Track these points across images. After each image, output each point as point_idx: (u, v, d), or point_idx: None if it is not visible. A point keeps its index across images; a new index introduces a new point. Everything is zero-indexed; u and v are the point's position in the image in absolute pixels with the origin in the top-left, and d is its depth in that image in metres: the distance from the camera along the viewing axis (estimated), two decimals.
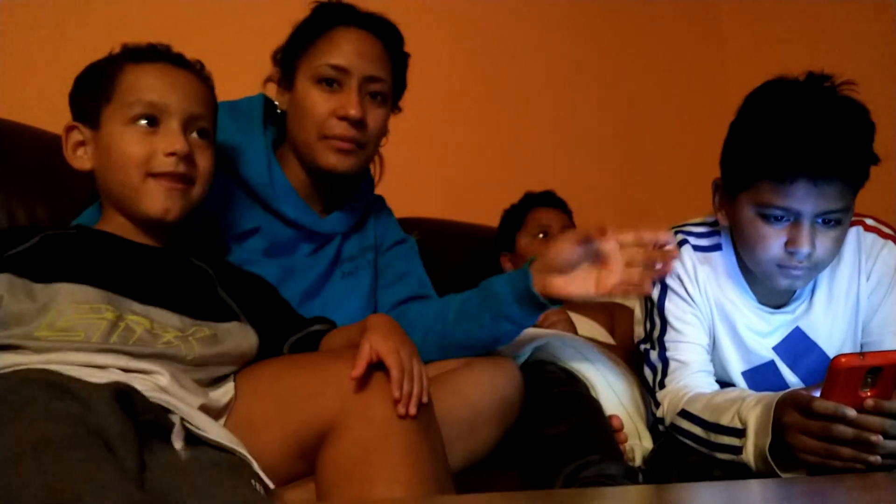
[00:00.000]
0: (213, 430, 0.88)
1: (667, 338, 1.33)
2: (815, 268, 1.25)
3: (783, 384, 1.34)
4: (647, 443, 1.38)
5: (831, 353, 1.33)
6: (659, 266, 1.14)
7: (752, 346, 1.34)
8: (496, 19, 2.48)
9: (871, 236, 1.33)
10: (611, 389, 1.41)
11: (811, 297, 1.34)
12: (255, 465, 0.87)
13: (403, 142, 2.04)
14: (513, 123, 2.47)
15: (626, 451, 1.33)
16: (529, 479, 1.25)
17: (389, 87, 1.29)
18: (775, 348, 1.35)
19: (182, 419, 0.86)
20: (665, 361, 1.33)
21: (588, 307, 1.94)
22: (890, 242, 1.32)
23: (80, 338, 0.91)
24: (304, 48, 1.27)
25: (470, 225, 2.12)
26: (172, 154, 1.04)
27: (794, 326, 1.34)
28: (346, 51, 1.24)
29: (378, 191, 1.48)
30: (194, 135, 1.08)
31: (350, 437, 0.91)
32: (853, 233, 1.32)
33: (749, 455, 1.14)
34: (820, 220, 1.20)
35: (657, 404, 1.32)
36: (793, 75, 1.23)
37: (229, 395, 1.00)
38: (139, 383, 0.87)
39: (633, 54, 2.76)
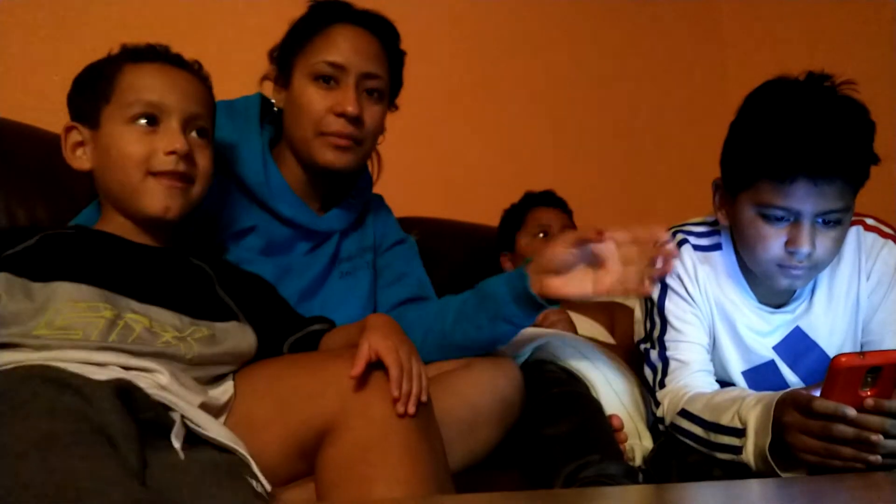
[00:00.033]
0: (214, 429, 0.88)
1: (667, 337, 1.34)
2: (815, 268, 1.25)
3: (783, 384, 1.34)
4: (647, 442, 1.38)
5: (831, 353, 1.33)
6: (659, 265, 1.14)
7: (753, 346, 1.34)
8: (496, 19, 2.48)
9: (871, 236, 1.33)
10: (611, 389, 1.40)
11: (811, 297, 1.34)
12: (255, 467, 0.87)
13: (404, 141, 2.04)
14: (513, 123, 2.47)
15: (626, 450, 1.33)
16: (529, 479, 1.25)
17: (386, 85, 1.30)
18: (775, 348, 1.35)
19: (182, 417, 0.86)
20: (665, 361, 1.33)
21: (588, 307, 1.94)
22: (890, 242, 1.32)
23: (79, 336, 0.91)
24: (301, 46, 1.27)
25: (470, 225, 2.12)
26: (172, 153, 1.04)
27: (794, 326, 1.34)
28: (342, 48, 1.25)
29: (378, 190, 1.48)
30: (193, 134, 1.08)
31: (349, 437, 0.91)
32: (853, 232, 1.32)
33: (749, 455, 1.14)
34: (820, 220, 1.20)
35: (657, 404, 1.32)
36: (793, 75, 1.24)
37: (229, 393, 1.00)
38: (140, 381, 0.87)
39: (633, 54, 2.76)
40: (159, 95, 1.06)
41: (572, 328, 1.72)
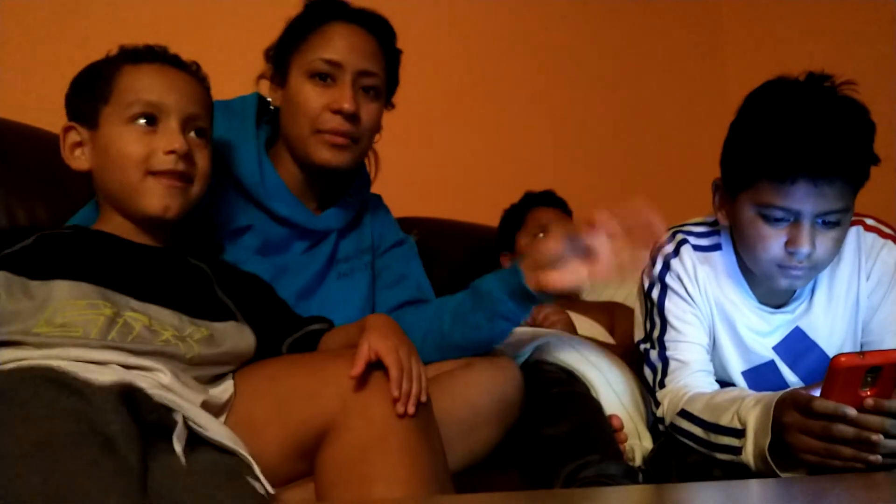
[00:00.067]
0: (215, 430, 0.88)
1: (667, 337, 1.34)
2: (815, 268, 1.25)
3: (783, 384, 1.34)
4: (647, 443, 1.38)
5: (831, 353, 1.32)
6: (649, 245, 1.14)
7: (752, 346, 1.34)
8: (496, 19, 2.49)
9: (871, 236, 1.33)
10: (611, 389, 1.40)
11: (811, 297, 1.34)
12: (256, 468, 0.87)
13: (404, 141, 2.04)
14: (513, 123, 2.47)
15: (626, 450, 1.33)
16: (529, 479, 1.25)
17: (383, 82, 1.30)
18: (775, 348, 1.35)
19: (184, 418, 0.86)
20: (665, 361, 1.33)
21: (588, 307, 1.95)
22: (890, 242, 1.32)
23: (79, 334, 0.91)
24: (297, 44, 1.27)
25: (470, 225, 2.12)
26: (172, 152, 1.05)
27: (793, 326, 1.34)
28: (339, 45, 1.25)
29: (378, 190, 1.48)
30: (192, 134, 1.09)
31: (349, 437, 0.91)
32: (853, 233, 1.32)
33: (749, 455, 1.14)
34: (820, 221, 1.20)
35: (657, 404, 1.32)
36: (793, 75, 1.23)
37: (229, 392, 1.00)
38: (141, 381, 0.87)
39: (633, 54, 2.76)
40: (158, 95, 1.06)
41: (572, 328, 1.72)
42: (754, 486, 1.01)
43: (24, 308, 0.92)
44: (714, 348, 1.36)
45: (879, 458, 1.04)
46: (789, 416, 1.08)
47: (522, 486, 1.24)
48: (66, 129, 1.09)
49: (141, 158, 1.04)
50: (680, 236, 1.37)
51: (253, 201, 1.27)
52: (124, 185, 1.05)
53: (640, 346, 1.38)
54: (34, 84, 1.65)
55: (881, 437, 1.03)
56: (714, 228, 1.37)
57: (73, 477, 0.69)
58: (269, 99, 1.32)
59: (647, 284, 1.37)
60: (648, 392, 1.37)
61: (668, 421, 1.29)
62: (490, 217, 2.10)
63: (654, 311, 1.36)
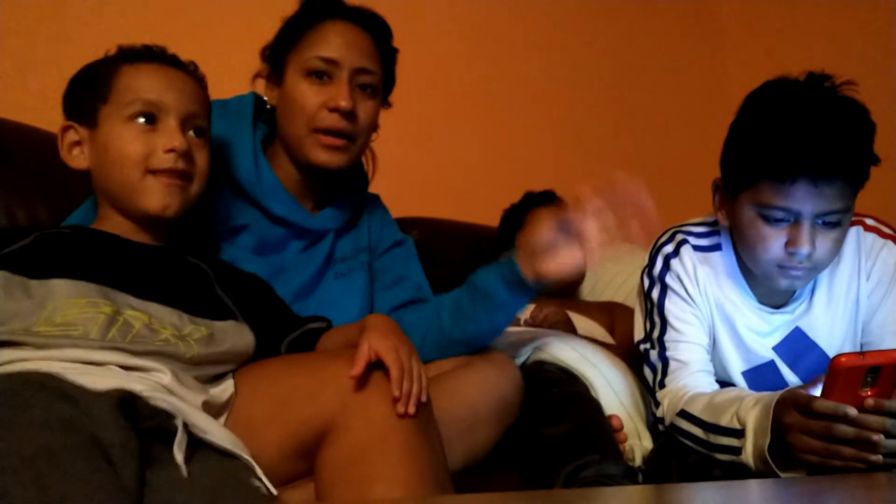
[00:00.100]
0: (217, 433, 0.88)
1: (667, 337, 1.33)
2: (815, 268, 1.25)
3: (783, 384, 1.34)
4: (647, 443, 1.38)
5: (831, 353, 1.32)
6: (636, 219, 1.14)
7: (752, 346, 1.34)
8: (496, 19, 2.48)
9: (870, 236, 1.33)
10: (610, 389, 1.40)
11: (811, 297, 1.34)
12: (258, 471, 0.87)
13: (404, 141, 2.04)
14: (513, 123, 2.47)
15: (626, 451, 1.33)
16: (529, 479, 1.25)
17: (379, 80, 1.30)
18: (775, 348, 1.35)
19: (184, 423, 0.86)
20: (665, 361, 1.33)
21: (588, 307, 1.94)
22: (890, 242, 1.32)
23: (79, 332, 0.91)
24: (294, 42, 1.27)
25: (470, 225, 2.12)
26: (172, 150, 1.05)
27: (793, 326, 1.34)
28: (335, 43, 1.25)
29: (378, 190, 1.47)
30: (191, 133, 1.09)
31: (349, 437, 0.91)
32: (853, 233, 1.32)
33: (748, 455, 1.14)
34: (820, 221, 1.20)
35: (657, 404, 1.32)
36: (793, 75, 1.23)
37: (229, 391, 1.00)
38: (141, 383, 0.87)
39: (633, 54, 2.76)
40: (158, 94, 1.06)
41: (572, 329, 1.72)
42: (754, 486, 1.01)
43: (23, 307, 0.92)
44: (714, 348, 1.36)
45: (880, 458, 1.04)
46: (790, 417, 1.08)
47: (522, 486, 1.24)
48: (65, 129, 1.09)
49: (141, 157, 1.05)
50: (680, 236, 1.37)
51: (249, 200, 1.27)
52: (124, 183, 1.05)
53: (640, 347, 1.38)
54: (34, 84, 1.65)
55: (882, 436, 1.03)
56: (714, 228, 1.37)
57: (69, 494, 0.68)
58: (266, 98, 1.32)
59: (647, 284, 1.37)
60: (648, 392, 1.37)
61: (667, 421, 1.29)
62: (490, 217, 2.10)
63: (654, 311, 1.36)
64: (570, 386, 1.37)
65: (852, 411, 1.03)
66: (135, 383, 0.86)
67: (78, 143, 1.09)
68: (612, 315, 1.91)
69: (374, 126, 1.31)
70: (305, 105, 1.24)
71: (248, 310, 1.10)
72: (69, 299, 0.94)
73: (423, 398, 0.95)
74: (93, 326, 0.92)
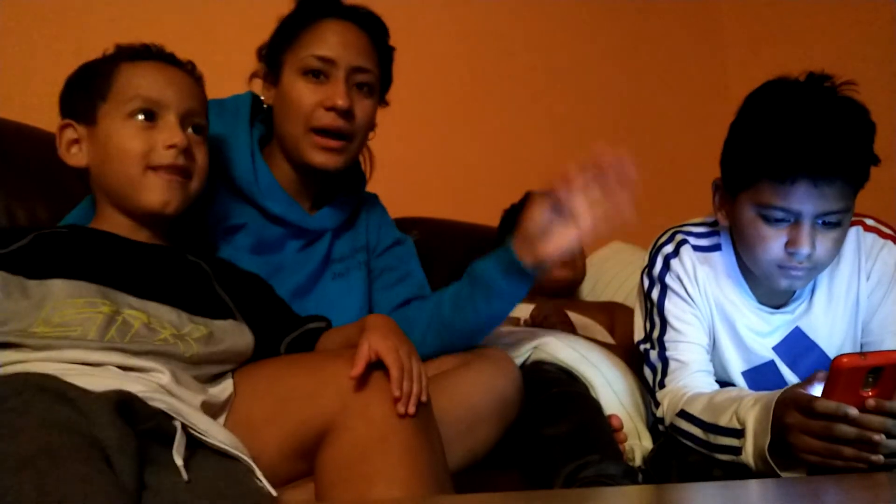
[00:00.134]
0: (216, 434, 0.88)
1: (666, 338, 1.33)
2: (815, 268, 1.25)
3: (783, 384, 1.34)
4: (647, 443, 1.38)
5: (831, 353, 1.32)
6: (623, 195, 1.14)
7: (752, 346, 1.34)
8: (496, 18, 2.48)
9: (870, 236, 1.33)
10: (610, 389, 1.40)
11: (811, 297, 1.34)
12: (258, 472, 0.87)
13: (404, 141, 2.04)
14: (513, 123, 2.47)
15: (625, 451, 1.33)
16: (529, 479, 1.25)
17: (376, 79, 1.30)
18: (775, 348, 1.35)
19: (183, 425, 0.86)
20: (665, 361, 1.33)
21: (588, 307, 1.94)
22: (890, 242, 1.32)
23: (77, 332, 0.91)
24: (290, 42, 1.27)
25: (470, 225, 2.12)
26: (172, 146, 1.05)
27: (793, 326, 1.34)
28: (331, 42, 1.25)
29: (378, 190, 1.47)
30: (190, 130, 1.09)
31: (349, 437, 0.91)
32: (853, 233, 1.32)
33: (748, 455, 1.14)
34: (820, 221, 1.20)
35: (657, 404, 1.32)
36: (793, 75, 1.23)
37: (228, 391, 1.00)
38: (139, 384, 0.87)
39: (633, 54, 2.76)
40: (157, 91, 1.07)
41: (572, 329, 1.72)
42: (754, 486, 1.01)
43: (21, 308, 0.92)
44: (714, 348, 1.36)
45: (881, 458, 1.04)
46: (790, 417, 1.08)
47: (522, 486, 1.24)
48: (63, 127, 1.09)
49: (141, 153, 1.05)
50: (680, 237, 1.37)
51: (247, 200, 1.27)
52: (124, 179, 1.05)
53: (640, 347, 1.38)
54: (34, 84, 1.65)
55: (883, 437, 1.03)
56: (714, 229, 1.37)
57: (66, 494, 0.68)
58: (263, 98, 1.32)
59: (646, 285, 1.37)
60: (648, 392, 1.37)
61: (667, 421, 1.29)
62: (490, 217, 2.10)
63: (654, 311, 1.36)
64: (570, 386, 1.37)
65: (853, 411, 1.03)
66: (133, 384, 0.86)
67: (76, 141, 1.09)
68: (612, 315, 1.91)
69: (371, 125, 1.31)
70: (302, 104, 1.24)
71: (247, 308, 1.10)
72: (67, 299, 0.93)
73: (424, 398, 0.95)
74: (91, 326, 0.91)
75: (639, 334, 1.40)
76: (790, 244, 1.20)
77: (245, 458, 0.87)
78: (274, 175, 1.29)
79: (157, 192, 1.05)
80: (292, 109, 1.25)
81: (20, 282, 0.95)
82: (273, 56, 1.29)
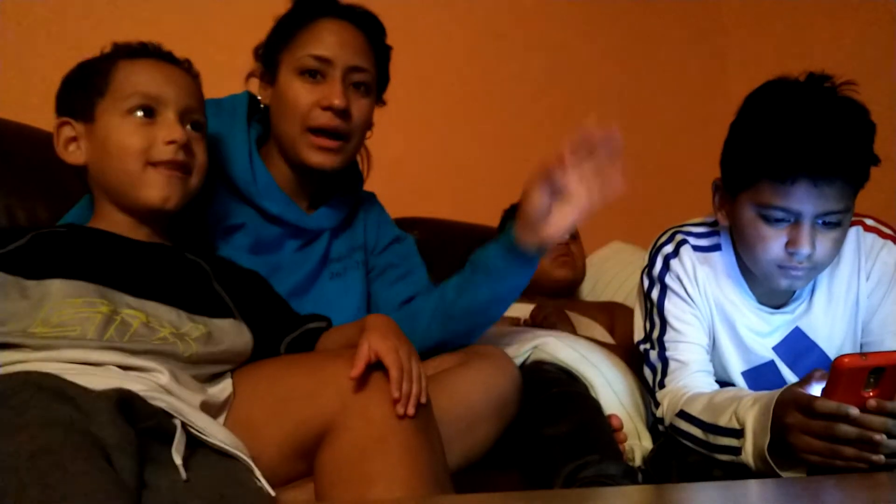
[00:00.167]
0: (215, 433, 0.88)
1: (666, 338, 1.33)
2: (815, 268, 1.25)
3: (783, 384, 1.33)
4: (647, 443, 1.38)
5: (831, 353, 1.32)
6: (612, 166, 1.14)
7: (752, 346, 1.34)
8: (496, 19, 2.49)
9: (870, 236, 1.33)
10: (610, 389, 1.40)
11: (811, 298, 1.34)
12: (257, 472, 0.87)
13: (404, 142, 2.04)
14: (513, 123, 2.47)
15: (625, 451, 1.33)
16: (529, 480, 1.25)
17: (373, 78, 1.30)
18: (775, 348, 1.35)
19: (183, 424, 0.86)
20: (665, 361, 1.32)
21: (588, 307, 1.95)
22: (889, 242, 1.32)
23: (76, 332, 0.90)
24: (286, 41, 1.27)
25: (470, 225, 2.12)
26: (172, 142, 1.05)
27: (793, 326, 1.34)
28: (328, 42, 1.24)
29: (379, 190, 1.47)
30: (188, 127, 1.09)
31: (349, 437, 0.91)
32: (853, 233, 1.32)
33: (748, 455, 1.14)
34: (820, 221, 1.20)
35: (657, 404, 1.32)
36: (793, 75, 1.23)
37: (227, 391, 1.00)
38: (139, 383, 0.87)
39: (634, 54, 2.76)
40: (156, 88, 1.07)
41: (572, 329, 1.72)
42: (754, 486, 1.01)
43: (20, 308, 0.92)
44: (714, 349, 1.36)
45: (882, 458, 1.04)
46: (791, 417, 1.08)
47: (522, 486, 1.24)
48: (61, 124, 1.09)
49: (141, 149, 1.05)
50: (679, 237, 1.36)
51: (245, 200, 1.27)
52: (124, 176, 1.05)
53: (640, 347, 1.38)
54: (34, 84, 1.65)
55: (884, 437, 1.03)
56: (714, 229, 1.37)
57: (68, 493, 0.68)
58: (260, 97, 1.32)
59: (646, 285, 1.37)
60: (648, 392, 1.37)
61: (667, 421, 1.28)
62: (490, 217, 2.10)
63: (654, 311, 1.36)
64: (570, 386, 1.37)
65: (854, 410, 1.03)
66: (133, 384, 0.86)
67: (74, 139, 1.08)
68: (612, 315, 1.91)
69: (368, 124, 1.31)
70: (299, 104, 1.24)
71: (246, 307, 1.10)
72: (65, 299, 0.93)
73: (423, 399, 0.95)
74: (90, 326, 0.91)
75: (639, 334, 1.40)
76: (790, 244, 1.20)
77: (244, 457, 0.87)
78: (271, 175, 1.29)
79: (157, 188, 1.05)
80: (289, 109, 1.25)
81: (18, 282, 0.95)
82: (269, 55, 1.29)
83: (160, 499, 0.78)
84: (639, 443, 1.38)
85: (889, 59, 2.40)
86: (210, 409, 0.94)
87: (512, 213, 2.04)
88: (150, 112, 1.06)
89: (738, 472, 1.16)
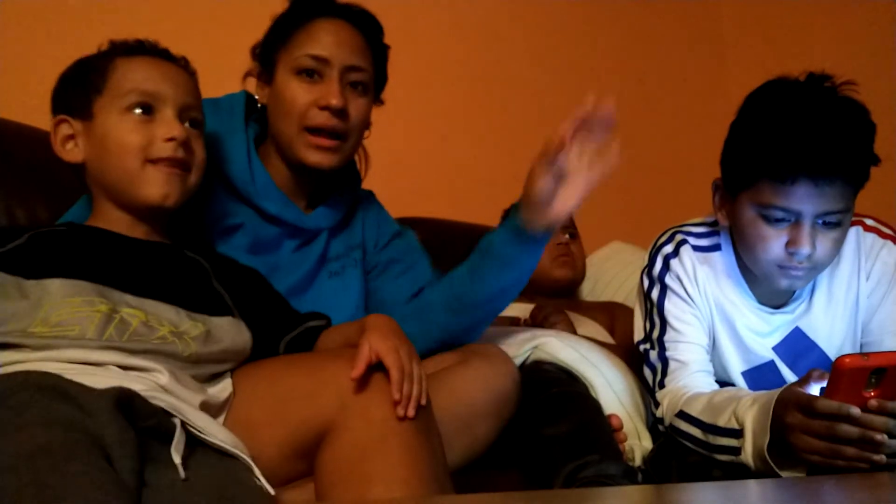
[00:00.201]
0: (215, 432, 0.88)
1: (666, 338, 1.33)
2: (815, 268, 1.25)
3: (783, 384, 1.33)
4: (647, 443, 1.38)
5: (831, 353, 1.32)
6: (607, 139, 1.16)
7: (752, 346, 1.34)
8: (496, 18, 2.48)
9: (870, 236, 1.33)
10: (610, 389, 1.40)
11: (811, 298, 1.34)
12: (257, 471, 0.87)
13: (404, 141, 2.04)
14: (512, 123, 2.47)
15: (625, 450, 1.33)
16: (529, 479, 1.25)
17: (370, 77, 1.29)
18: (775, 348, 1.35)
19: (183, 423, 0.86)
20: (664, 361, 1.32)
21: (588, 307, 1.94)
22: (889, 242, 1.32)
23: (76, 332, 0.90)
24: (284, 41, 1.27)
25: (470, 225, 2.12)
26: (172, 139, 1.05)
27: (793, 326, 1.34)
28: (325, 41, 1.24)
29: (378, 190, 1.47)
30: (187, 124, 1.09)
31: (349, 438, 0.91)
32: (853, 233, 1.31)
33: (748, 455, 1.14)
34: (820, 221, 1.20)
35: (657, 404, 1.32)
36: (793, 75, 1.23)
37: (227, 391, 1.00)
38: (139, 383, 0.87)
39: (633, 54, 2.76)
40: (154, 85, 1.07)
41: (572, 328, 1.72)
42: (754, 486, 1.01)
43: (19, 308, 0.92)
44: (714, 349, 1.36)
45: (883, 458, 1.04)
46: (791, 417, 1.08)
47: (522, 486, 1.24)
48: (58, 122, 1.09)
49: (140, 146, 1.05)
50: (679, 237, 1.36)
51: (243, 200, 1.27)
52: (123, 174, 1.05)
53: (640, 347, 1.38)
54: (34, 84, 1.65)
55: (885, 436, 1.03)
56: (714, 229, 1.37)
57: (67, 493, 0.68)
58: (257, 97, 1.32)
59: (646, 285, 1.37)
60: (648, 392, 1.36)
61: (667, 422, 1.28)
62: (490, 217, 2.09)
63: (654, 311, 1.35)
64: (570, 386, 1.37)
65: (855, 410, 1.03)
66: (133, 383, 0.86)
67: (72, 137, 1.08)
68: (612, 315, 1.91)
69: (366, 124, 1.31)
70: (296, 103, 1.24)
71: (246, 305, 1.09)
72: (65, 299, 0.93)
73: (423, 400, 0.95)
74: (89, 326, 0.91)
75: (638, 334, 1.40)
76: (790, 244, 1.20)
77: (244, 457, 0.87)
78: (269, 174, 1.29)
79: (156, 186, 1.05)
80: (286, 109, 1.25)
81: (17, 282, 0.95)
82: (267, 55, 1.29)
83: (160, 498, 0.78)
84: (639, 443, 1.38)
85: (889, 59, 2.40)
86: (210, 408, 0.94)
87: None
88: (148, 109, 1.06)
89: (738, 472, 1.16)
